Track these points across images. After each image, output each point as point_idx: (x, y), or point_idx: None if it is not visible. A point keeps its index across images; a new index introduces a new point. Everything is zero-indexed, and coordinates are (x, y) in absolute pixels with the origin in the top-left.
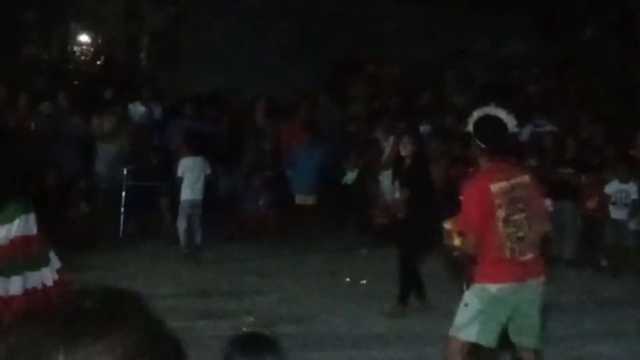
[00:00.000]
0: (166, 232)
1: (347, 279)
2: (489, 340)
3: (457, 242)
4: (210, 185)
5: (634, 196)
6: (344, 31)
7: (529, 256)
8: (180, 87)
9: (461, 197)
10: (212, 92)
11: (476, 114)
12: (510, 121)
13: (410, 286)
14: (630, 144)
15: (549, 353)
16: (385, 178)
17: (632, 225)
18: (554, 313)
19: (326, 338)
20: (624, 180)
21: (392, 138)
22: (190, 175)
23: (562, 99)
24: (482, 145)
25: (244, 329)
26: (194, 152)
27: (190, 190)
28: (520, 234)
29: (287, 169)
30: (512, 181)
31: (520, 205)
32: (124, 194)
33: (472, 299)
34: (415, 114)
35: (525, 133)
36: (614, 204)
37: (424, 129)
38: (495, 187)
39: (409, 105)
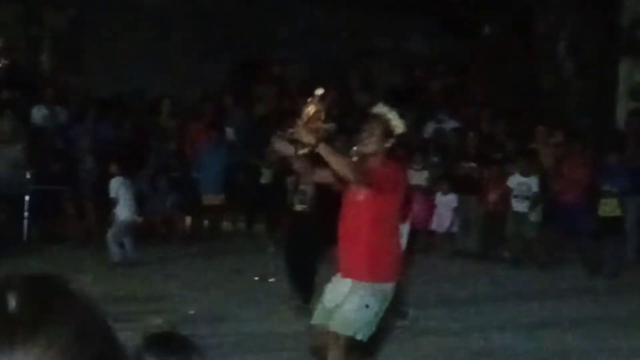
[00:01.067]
0: (72, 236)
1: (256, 278)
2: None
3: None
4: None
5: (535, 189)
6: (248, 31)
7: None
8: (83, 90)
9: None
10: (115, 94)
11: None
12: (399, 125)
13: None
14: (530, 139)
15: (452, 344)
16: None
17: (532, 217)
18: (458, 304)
19: (234, 338)
20: (524, 174)
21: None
22: (126, 195)
23: (464, 96)
24: (396, 148)
25: (152, 330)
26: (125, 172)
27: (129, 211)
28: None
29: (193, 170)
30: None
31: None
32: (27, 198)
33: (373, 302)
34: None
35: (429, 130)
36: (515, 196)
37: (328, 127)
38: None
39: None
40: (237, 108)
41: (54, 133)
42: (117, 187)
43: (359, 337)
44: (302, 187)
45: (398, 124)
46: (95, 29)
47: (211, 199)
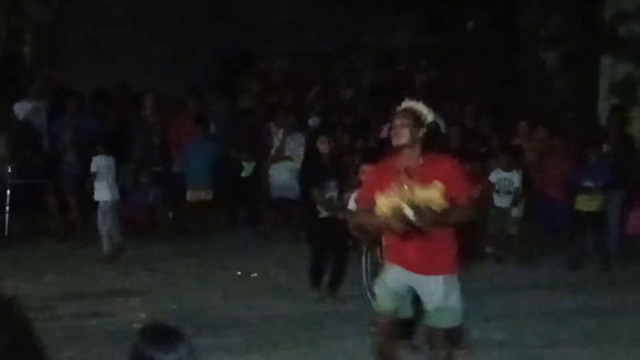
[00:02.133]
0: (55, 230)
1: (238, 273)
2: (406, 313)
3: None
4: None
5: (517, 184)
6: (232, 25)
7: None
8: (67, 83)
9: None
10: (98, 88)
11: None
12: (429, 116)
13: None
14: (513, 134)
15: None
16: (275, 171)
17: (514, 213)
18: None
19: (217, 333)
20: (507, 169)
21: (281, 131)
22: (109, 175)
23: (447, 90)
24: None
25: (135, 325)
26: (107, 151)
27: (109, 192)
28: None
29: (176, 164)
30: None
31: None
32: (8, 192)
33: (383, 277)
34: (305, 107)
35: None
36: (497, 192)
37: (312, 122)
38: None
39: (299, 98)
40: (220, 102)
41: (37, 127)
42: (99, 163)
43: (381, 308)
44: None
45: (427, 114)
46: (78, 21)
47: (197, 194)
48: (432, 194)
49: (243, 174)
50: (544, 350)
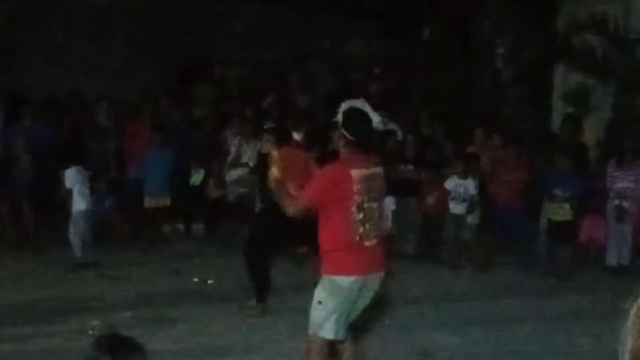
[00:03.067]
0: (8, 238)
1: (195, 279)
2: (343, 334)
3: (275, 173)
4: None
5: (472, 191)
6: (187, 32)
7: (374, 242)
8: (19, 89)
9: (315, 174)
10: (51, 94)
11: (345, 106)
12: (374, 117)
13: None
14: (468, 141)
15: (394, 343)
16: (233, 177)
17: (470, 220)
18: (399, 305)
19: (173, 340)
20: (462, 176)
21: (238, 139)
22: (83, 185)
23: (403, 98)
24: (349, 137)
25: (90, 332)
26: (77, 161)
27: (84, 201)
28: (372, 222)
29: (131, 171)
30: (370, 170)
31: (374, 195)
32: None
33: (325, 297)
34: (260, 115)
35: None
36: (453, 199)
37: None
38: (355, 173)
39: (254, 106)
40: (175, 109)
41: None
42: (73, 176)
43: (321, 334)
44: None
45: (374, 117)
46: (30, 26)
47: (154, 201)
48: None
49: (191, 182)
50: (498, 357)
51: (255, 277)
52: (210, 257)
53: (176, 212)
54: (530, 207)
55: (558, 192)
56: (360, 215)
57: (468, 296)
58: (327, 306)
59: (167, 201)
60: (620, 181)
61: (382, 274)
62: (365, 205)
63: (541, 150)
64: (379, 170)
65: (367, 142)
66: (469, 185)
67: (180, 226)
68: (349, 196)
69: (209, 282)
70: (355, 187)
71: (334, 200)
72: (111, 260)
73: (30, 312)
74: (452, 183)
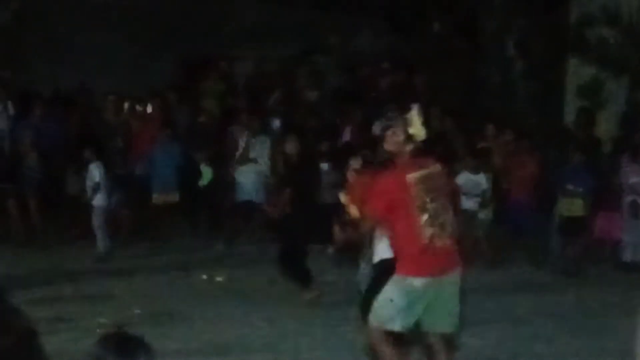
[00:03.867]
0: (15, 234)
1: (204, 277)
2: (410, 326)
3: (354, 212)
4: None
5: (484, 187)
6: (195, 28)
7: (448, 242)
8: (28, 86)
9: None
10: (57, 90)
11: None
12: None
13: (299, 275)
14: (479, 136)
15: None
16: (240, 174)
17: (481, 215)
18: None
19: (182, 337)
20: (473, 172)
21: (246, 134)
22: (104, 180)
23: (412, 94)
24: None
25: (97, 330)
26: (99, 156)
27: (103, 198)
28: (441, 220)
29: (138, 167)
30: (427, 170)
31: (437, 194)
32: None
33: (396, 295)
34: (267, 110)
35: (377, 127)
36: (464, 194)
37: (273, 123)
38: (410, 177)
39: (262, 101)
40: (182, 105)
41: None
42: (98, 171)
43: (387, 327)
44: None
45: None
46: (38, 24)
47: (163, 197)
48: None
49: (202, 182)
50: (517, 353)
51: (298, 274)
52: (219, 253)
53: (184, 208)
54: (542, 202)
55: (570, 187)
56: (425, 217)
57: (478, 292)
58: (397, 303)
59: (175, 197)
60: (634, 176)
61: (458, 271)
62: (428, 206)
63: (554, 145)
64: (437, 167)
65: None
66: (481, 181)
67: (188, 222)
68: (409, 201)
69: (217, 279)
70: (413, 190)
71: (394, 207)
72: (119, 256)
73: (38, 310)
74: (463, 178)
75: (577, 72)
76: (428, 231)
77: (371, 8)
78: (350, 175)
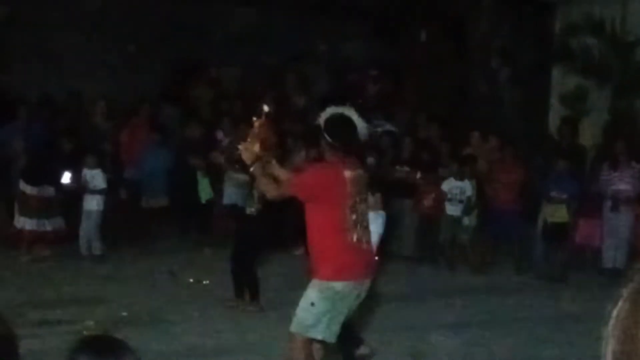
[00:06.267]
0: (5, 237)
1: (190, 280)
2: (333, 336)
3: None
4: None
5: (469, 193)
6: (184, 33)
7: (371, 246)
8: (14, 90)
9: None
10: (44, 94)
11: (327, 112)
12: (360, 123)
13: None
14: (464, 143)
15: (389, 344)
16: (228, 179)
17: (466, 221)
18: (394, 306)
19: (168, 340)
20: (458, 178)
21: (232, 138)
22: (101, 185)
23: (399, 100)
24: (330, 141)
25: (84, 333)
26: (99, 164)
27: (99, 201)
28: (365, 223)
29: (127, 172)
30: (357, 172)
31: (363, 196)
32: None
33: (318, 299)
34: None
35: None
36: (449, 200)
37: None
38: (348, 174)
39: (251, 107)
40: (172, 110)
41: None
42: (102, 178)
43: (309, 335)
44: (253, 191)
45: (359, 123)
46: (27, 28)
47: (153, 201)
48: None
49: (204, 198)
50: (498, 357)
51: (247, 278)
52: (206, 258)
53: (174, 212)
54: (526, 209)
55: (555, 194)
56: (354, 217)
57: (463, 298)
58: (319, 309)
59: (164, 201)
60: (615, 183)
61: (372, 279)
62: (357, 206)
63: (538, 152)
64: (362, 172)
65: (349, 146)
66: (465, 187)
67: (177, 226)
68: (343, 197)
69: (204, 282)
70: (349, 188)
71: (326, 200)
72: (107, 259)
73: (24, 312)
74: (448, 185)
75: (562, 80)
76: (354, 231)
77: (359, 15)
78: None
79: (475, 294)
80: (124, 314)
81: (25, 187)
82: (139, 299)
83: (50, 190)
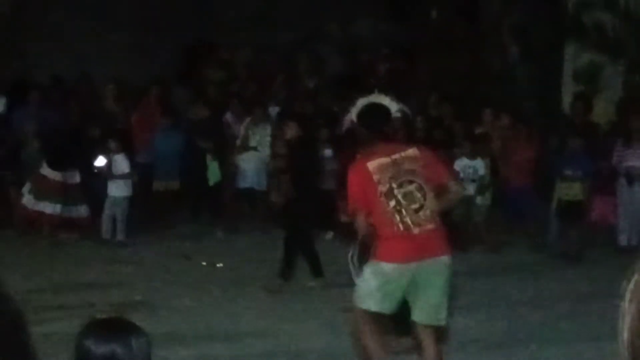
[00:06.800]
0: (16, 222)
1: (203, 263)
2: (389, 308)
3: (344, 218)
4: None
5: (481, 172)
6: (194, 15)
7: (428, 227)
8: (26, 74)
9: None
10: (56, 77)
11: (359, 104)
12: (392, 106)
13: (293, 264)
14: (477, 122)
15: None
16: (242, 162)
17: (479, 200)
18: None
19: (183, 324)
20: (471, 157)
21: (247, 121)
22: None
23: (411, 80)
24: (366, 132)
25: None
26: (123, 149)
27: (127, 186)
28: (415, 205)
29: (139, 155)
30: (395, 156)
31: (408, 178)
32: None
33: (369, 276)
34: (268, 97)
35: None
36: (462, 179)
37: (272, 110)
38: (372, 165)
39: (263, 89)
40: (183, 92)
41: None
42: (127, 162)
43: (363, 306)
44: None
45: (392, 106)
46: (38, 12)
47: (164, 184)
48: None
49: (212, 180)
50: (515, 337)
51: (307, 259)
52: (218, 241)
53: (186, 195)
54: (540, 187)
55: (568, 171)
56: (392, 203)
57: (478, 277)
58: (370, 284)
59: (176, 185)
60: (629, 159)
61: (442, 257)
62: (396, 192)
63: (551, 129)
64: (411, 152)
65: (381, 132)
66: (478, 166)
67: (189, 209)
68: (372, 188)
69: (217, 265)
70: (375, 177)
71: (364, 196)
72: (116, 244)
73: (40, 296)
74: (460, 164)
75: (575, 56)
76: (397, 217)
77: None
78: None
79: (490, 273)
80: (138, 297)
81: (48, 171)
82: (153, 282)
83: (75, 176)
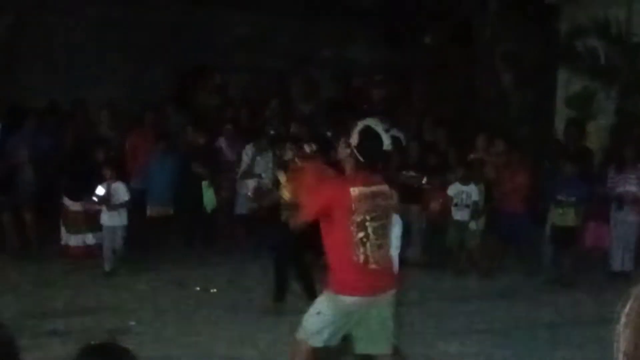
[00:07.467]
0: (10, 247)
1: (197, 288)
2: (334, 342)
3: (287, 195)
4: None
5: (475, 197)
6: (189, 40)
7: (385, 265)
8: (21, 98)
9: (314, 185)
10: (51, 102)
11: (360, 125)
12: (386, 139)
13: (284, 285)
14: (471, 147)
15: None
16: (244, 187)
17: (473, 226)
18: (403, 312)
19: (176, 349)
20: (464, 182)
21: (251, 149)
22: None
23: (405, 105)
24: (360, 158)
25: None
26: (118, 176)
27: (123, 215)
28: (379, 241)
29: (133, 181)
30: (373, 188)
31: (379, 213)
32: None
33: (325, 309)
34: (262, 122)
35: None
36: (455, 205)
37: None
38: (354, 191)
39: (256, 113)
40: (178, 117)
41: None
42: (124, 190)
43: (310, 342)
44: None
45: (385, 139)
46: (33, 37)
47: (158, 210)
48: None
49: (208, 207)
50: None
51: (279, 279)
52: (212, 266)
53: (180, 220)
54: (534, 212)
55: (562, 197)
56: (361, 235)
57: (472, 302)
58: (325, 318)
59: (170, 210)
60: (622, 185)
61: (392, 292)
62: (367, 224)
63: (545, 155)
64: (384, 188)
65: (376, 165)
66: (472, 191)
67: (183, 234)
68: (347, 214)
69: (211, 291)
70: (354, 205)
71: (332, 218)
72: (113, 268)
73: (31, 322)
74: (454, 189)
75: (568, 82)
76: (361, 249)
77: (365, 19)
78: (298, 159)
79: (483, 299)
80: (132, 323)
81: (69, 203)
82: (147, 308)
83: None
